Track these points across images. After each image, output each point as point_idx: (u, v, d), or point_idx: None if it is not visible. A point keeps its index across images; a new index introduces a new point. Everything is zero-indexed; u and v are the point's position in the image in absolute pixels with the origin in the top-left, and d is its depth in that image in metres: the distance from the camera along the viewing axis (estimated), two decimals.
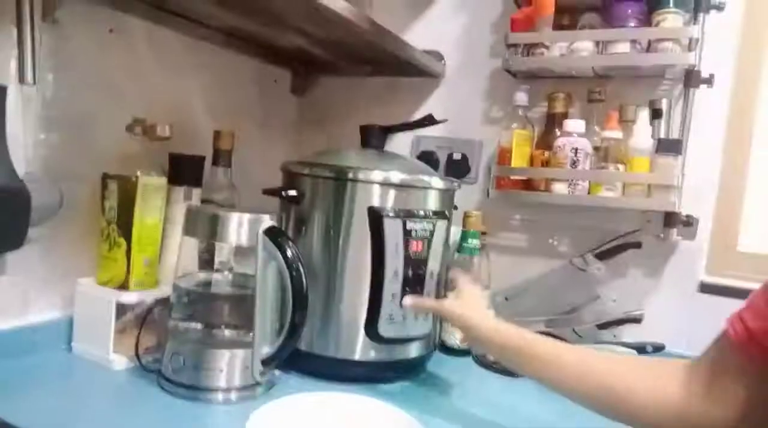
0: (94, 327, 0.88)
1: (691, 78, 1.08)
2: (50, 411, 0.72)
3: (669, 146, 1.07)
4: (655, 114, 1.11)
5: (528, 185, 1.18)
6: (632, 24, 1.09)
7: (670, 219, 1.11)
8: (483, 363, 1.06)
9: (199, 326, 0.87)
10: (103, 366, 0.87)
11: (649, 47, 1.08)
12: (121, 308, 0.88)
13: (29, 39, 0.79)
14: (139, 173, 0.88)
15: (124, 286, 0.89)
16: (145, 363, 0.86)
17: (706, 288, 1.14)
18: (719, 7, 1.08)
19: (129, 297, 0.88)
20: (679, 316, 1.14)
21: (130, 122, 0.97)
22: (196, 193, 1.00)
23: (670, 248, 1.15)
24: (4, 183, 0.77)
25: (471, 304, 0.83)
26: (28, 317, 0.89)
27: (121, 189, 0.88)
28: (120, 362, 0.87)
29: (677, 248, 1.15)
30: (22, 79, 0.79)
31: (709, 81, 1.08)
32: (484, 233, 1.18)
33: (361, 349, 0.92)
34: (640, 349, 1.06)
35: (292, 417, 0.67)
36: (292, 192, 0.94)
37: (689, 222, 1.11)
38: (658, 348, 1.07)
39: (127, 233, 0.88)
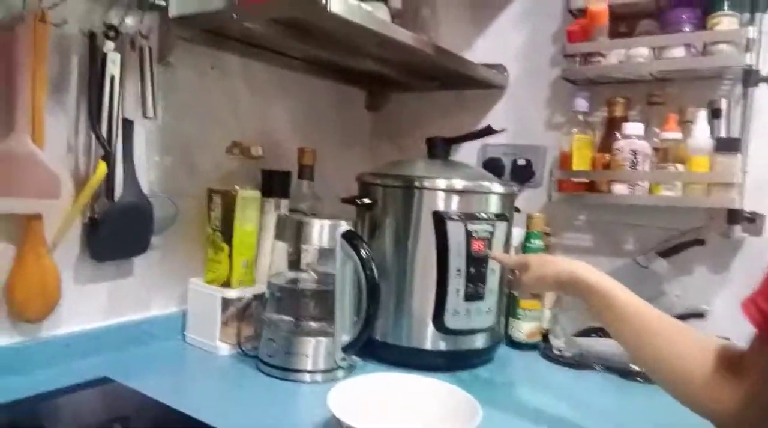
0: (203, 319, 1.05)
1: (750, 77, 1.10)
2: (170, 386, 0.88)
3: (727, 145, 1.09)
4: (714, 114, 1.13)
5: (590, 187, 1.24)
6: (687, 29, 1.13)
7: (733, 216, 1.12)
8: (549, 356, 1.13)
9: (289, 318, 1.01)
10: (211, 352, 1.03)
11: (705, 50, 1.11)
12: (225, 303, 1.04)
13: (149, 80, 0.97)
14: (237, 188, 1.04)
15: (227, 284, 1.04)
16: (246, 350, 1.01)
17: None
18: None
19: (231, 293, 1.04)
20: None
21: (229, 144, 1.14)
22: (285, 203, 1.14)
23: (736, 244, 1.16)
24: (134, 200, 0.95)
25: (541, 263, 0.85)
26: (150, 311, 1.07)
27: (223, 202, 1.04)
28: (224, 349, 1.03)
29: (743, 244, 1.16)
30: (145, 114, 0.97)
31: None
32: (547, 234, 1.25)
33: (430, 339, 1.02)
34: None
35: (365, 392, 0.78)
36: (366, 200, 1.07)
37: (753, 219, 1.12)
38: None
39: (229, 239, 1.04)
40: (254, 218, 1.07)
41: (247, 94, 1.23)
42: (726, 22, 1.09)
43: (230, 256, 1.04)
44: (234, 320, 1.05)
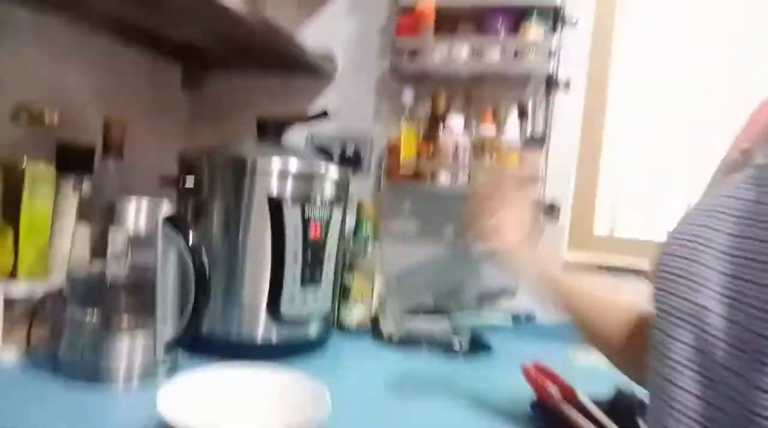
0: None
1: (551, 83, 1.24)
2: None
3: (534, 142, 1.22)
4: (521, 113, 1.25)
5: (415, 176, 1.28)
6: (502, 34, 1.23)
7: (536, 206, 1.26)
8: (379, 338, 1.14)
9: (96, 314, 0.86)
10: None
11: (516, 55, 1.23)
12: (10, 299, 0.84)
13: None
14: (26, 160, 0.86)
15: (12, 275, 0.85)
16: (40, 355, 0.84)
17: (568, 265, 1.30)
18: (571, 21, 1.25)
19: (18, 288, 0.85)
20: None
21: (14, 108, 0.94)
22: (87, 183, 0.98)
23: (539, 230, 1.31)
24: None
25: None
26: None
27: (6, 176, 0.85)
28: (10, 355, 0.83)
29: (544, 230, 1.31)
30: None
31: (566, 85, 1.25)
32: (376, 221, 1.26)
33: (263, 330, 0.96)
34: (515, 318, 1.19)
35: (199, 390, 0.69)
36: (190, 181, 0.96)
37: (552, 208, 1.26)
38: (529, 318, 1.21)
39: (14, 222, 0.85)
40: (48, 196, 0.89)
41: (37, 53, 1.03)
42: (533, 32, 1.22)
43: (16, 242, 0.85)
44: (23, 318, 0.86)
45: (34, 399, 0.75)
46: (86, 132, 1.06)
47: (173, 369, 0.85)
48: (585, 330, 0.72)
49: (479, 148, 1.25)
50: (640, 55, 1.32)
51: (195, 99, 1.50)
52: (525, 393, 0.81)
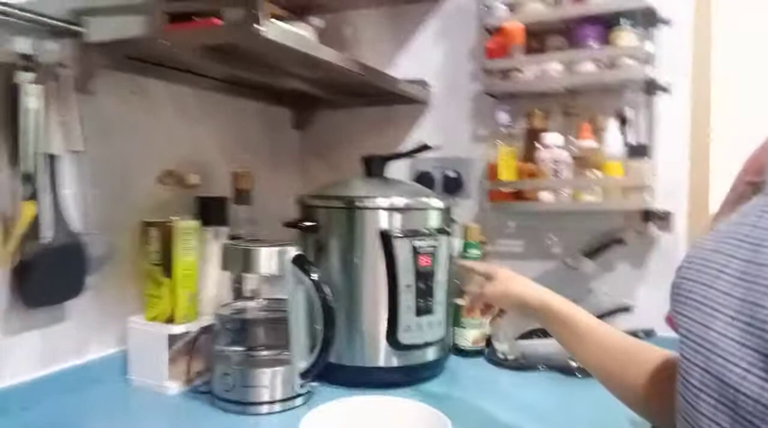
0: (148, 358, 0.99)
1: (650, 88, 1.22)
2: None
3: (637, 151, 1.20)
4: (622, 122, 1.23)
5: (518, 195, 1.31)
6: (593, 44, 1.22)
7: (647, 216, 1.23)
8: (494, 361, 1.18)
9: (241, 349, 0.99)
10: (160, 392, 0.98)
11: (611, 63, 1.21)
12: (171, 340, 0.99)
13: (72, 111, 0.91)
14: (175, 218, 1.00)
15: (170, 320, 1.00)
16: (197, 386, 0.97)
17: None
18: (666, 22, 1.21)
19: (177, 329, 0.99)
20: (664, 302, 1.25)
21: (160, 173, 1.09)
22: (224, 231, 1.11)
23: (651, 241, 1.28)
24: (65, 240, 0.88)
25: (508, 277, 0.88)
26: (88, 355, 1.00)
27: (161, 234, 1.00)
28: (174, 387, 0.98)
29: (658, 241, 1.27)
30: (70, 147, 0.91)
31: (666, 89, 1.22)
32: (483, 243, 1.30)
33: (384, 357, 1.04)
34: (632, 335, 1.17)
35: (337, 419, 0.78)
36: (310, 223, 1.06)
37: (664, 217, 1.23)
38: (648, 333, 1.18)
39: (169, 273, 0.99)
40: (194, 248, 1.03)
41: (174, 119, 1.19)
42: (625, 37, 1.20)
43: (172, 290, 0.99)
44: (182, 356, 1.00)
45: (194, 425, 0.88)
46: (218, 183, 1.20)
47: (309, 397, 0.96)
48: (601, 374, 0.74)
49: (581, 162, 1.24)
50: (744, 51, 1.25)
51: (305, 136, 1.63)
52: None
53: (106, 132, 1.03)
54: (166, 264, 1.00)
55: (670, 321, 0.66)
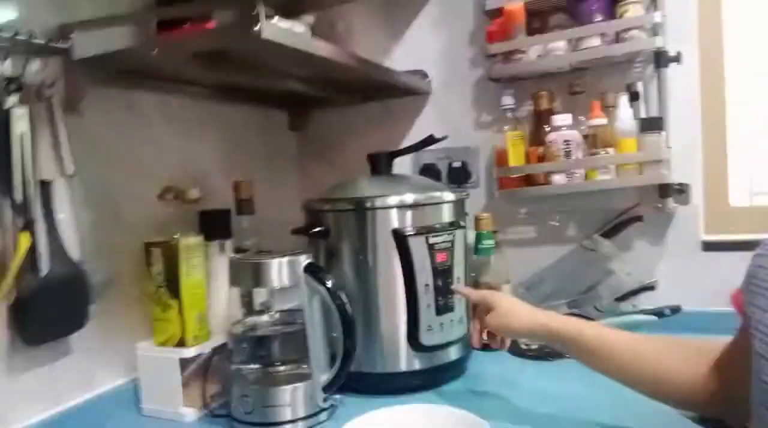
0: (160, 385, 0.95)
1: (660, 59, 1.17)
2: None
3: (651, 124, 1.15)
4: (633, 97, 1.19)
5: (529, 180, 1.26)
6: (598, 19, 1.17)
7: (664, 190, 1.19)
8: (516, 352, 1.14)
9: (257, 366, 0.94)
10: (175, 420, 0.93)
11: (617, 37, 1.16)
12: (183, 364, 0.95)
13: (61, 133, 0.87)
14: (177, 236, 0.95)
15: (181, 343, 0.95)
16: (214, 409, 0.93)
17: (708, 246, 1.22)
18: None
19: (189, 353, 0.95)
20: (688, 277, 1.21)
21: (160, 190, 1.04)
22: (228, 244, 1.07)
23: (669, 216, 1.23)
24: (63, 271, 0.84)
25: (508, 311, 0.86)
26: (96, 388, 0.96)
27: (164, 254, 0.95)
28: (190, 414, 0.94)
29: (676, 214, 1.23)
30: (62, 171, 0.86)
31: (677, 59, 1.17)
32: (495, 232, 1.26)
33: (405, 361, 0.99)
34: (659, 314, 1.13)
35: None
36: (319, 228, 1.02)
37: (682, 189, 1.19)
38: (675, 310, 1.14)
39: (176, 294, 0.95)
40: (200, 266, 0.99)
41: (168, 133, 1.14)
42: (632, 9, 1.15)
43: (181, 312, 0.95)
44: (195, 380, 0.96)
45: None
46: (218, 193, 1.16)
47: (333, 411, 0.92)
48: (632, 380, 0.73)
49: (592, 141, 1.20)
50: (754, 11, 1.20)
51: (302, 138, 1.58)
52: None
53: (97, 152, 0.98)
54: (171, 285, 0.95)
55: (737, 302, 0.62)
